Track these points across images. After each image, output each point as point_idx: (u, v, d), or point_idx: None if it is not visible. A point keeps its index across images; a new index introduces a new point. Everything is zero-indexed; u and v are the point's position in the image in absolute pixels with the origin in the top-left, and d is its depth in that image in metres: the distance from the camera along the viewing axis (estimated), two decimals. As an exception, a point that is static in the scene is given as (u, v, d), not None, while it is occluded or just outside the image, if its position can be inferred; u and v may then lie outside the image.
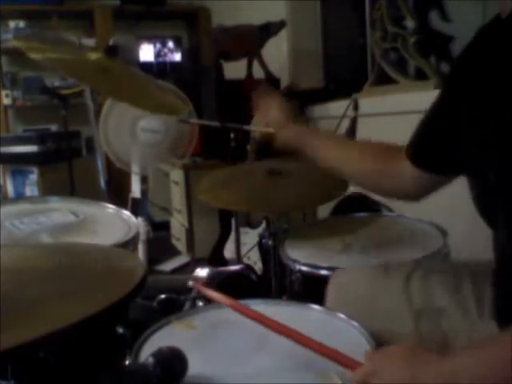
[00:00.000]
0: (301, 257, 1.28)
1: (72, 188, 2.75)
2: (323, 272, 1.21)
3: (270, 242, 1.52)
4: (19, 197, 3.18)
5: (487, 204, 0.79)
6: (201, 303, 1.20)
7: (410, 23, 2.20)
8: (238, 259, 2.16)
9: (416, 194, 1.00)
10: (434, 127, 0.90)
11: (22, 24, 3.96)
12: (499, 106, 0.73)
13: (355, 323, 0.88)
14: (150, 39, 4.34)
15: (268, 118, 1.19)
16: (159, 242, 3.18)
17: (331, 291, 1.03)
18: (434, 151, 0.90)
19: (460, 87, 0.84)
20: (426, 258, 1.18)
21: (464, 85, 0.83)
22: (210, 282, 1.35)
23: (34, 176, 3.27)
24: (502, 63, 0.74)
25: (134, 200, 2.17)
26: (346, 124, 2.33)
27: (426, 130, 0.93)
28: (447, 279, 0.94)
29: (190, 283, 0.93)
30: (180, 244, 3.20)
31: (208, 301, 1.20)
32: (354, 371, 0.71)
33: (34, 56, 1.15)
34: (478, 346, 0.69)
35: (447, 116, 0.86)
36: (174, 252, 3.20)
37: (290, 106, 1.23)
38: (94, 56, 1.32)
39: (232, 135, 2.18)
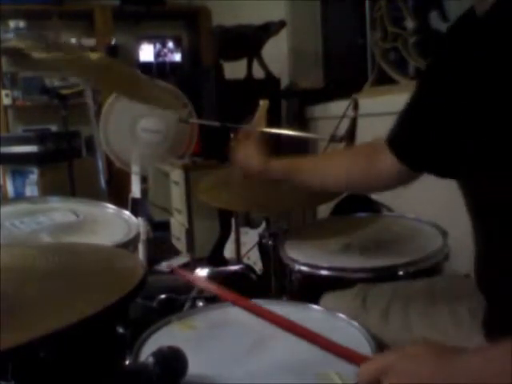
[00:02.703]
0: (301, 257, 1.28)
1: (72, 188, 2.75)
2: (323, 272, 1.21)
3: (270, 242, 1.52)
4: (19, 197, 3.18)
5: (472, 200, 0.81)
6: (201, 303, 1.20)
7: (409, 23, 2.20)
8: (238, 259, 2.16)
9: (393, 185, 1.02)
10: (412, 123, 0.92)
11: (22, 24, 3.96)
12: (473, 105, 0.74)
13: (355, 323, 0.88)
14: (150, 39, 4.34)
15: (246, 159, 1.18)
16: (159, 242, 3.18)
17: None
18: (414, 147, 0.92)
19: (435, 83, 0.86)
20: (402, 284, 1.13)
21: (439, 80, 0.84)
22: (209, 281, 1.35)
23: (34, 176, 3.26)
24: (478, 63, 0.75)
25: (134, 200, 2.17)
26: (345, 124, 2.33)
27: (405, 125, 0.94)
28: (423, 309, 0.94)
29: (165, 265, 0.91)
30: (180, 244, 3.20)
31: (208, 301, 1.20)
32: (364, 366, 0.66)
33: (36, 55, 1.15)
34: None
35: (424, 112, 0.89)
36: (174, 252, 3.20)
37: (265, 142, 1.21)
38: (94, 56, 1.32)
39: (232, 135, 2.17)
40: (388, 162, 0.97)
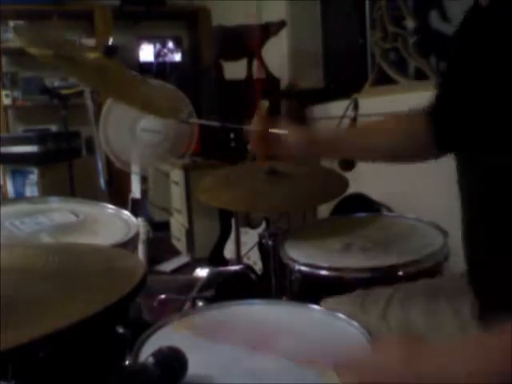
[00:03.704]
0: (301, 257, 1.28)
1: (72, 188, 2.75)
2: (323, 272, 1.21)
3: (269, 242, 1.52)
4: (19, 197, 3.18)
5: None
6: (201, 303, 1.20)
7: (409, 23, 2.20)
8: (238, 259, 2.16)
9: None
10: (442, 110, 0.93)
11: (21, 24, 3.96)
12: (487, 97, 0.78)
13: (355, 323, 0.88)
14: (150, 39, 4.34)
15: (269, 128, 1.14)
16: (159, 242, 3.18)
17: None
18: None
19: (455, 76, 0.89)
20: (401, 285, 1.13)
21: (458, 74, 0.87)
22: (209, 282, 1.36)
23: (33, 176, 3.27)
24: (484, 53, 0.79)
25: (134, 200, 2.17)
26: (345, 124, 2.33)
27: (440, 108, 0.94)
28: (425, 308, 0.94)
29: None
30: (180, 244, 3.20)
31: (208, 301, 1.20)
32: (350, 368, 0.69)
33: (33, 51, 1.14)
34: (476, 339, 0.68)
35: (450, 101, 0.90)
36: (174, 252, 3.20)
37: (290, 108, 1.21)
38: (92, 55, 1.31)
39: (232, 135, 2.18)
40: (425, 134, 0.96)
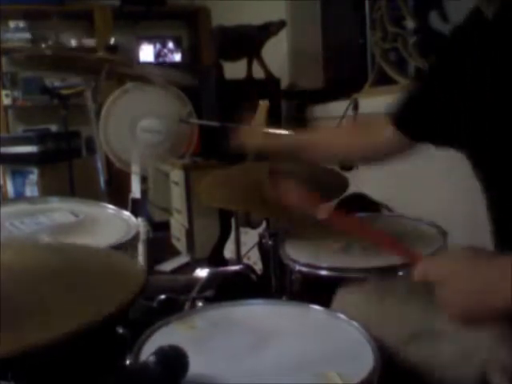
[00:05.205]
0: (301, 257, 1.28)
1: (72, 188, 2.75)
2: (323, 272, 1.21)
3: (269, 242, 1.52)
4: (19, 197, 3.18)
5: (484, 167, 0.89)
6: (201, 303, 1.20)
7: (409, 23, 2.20)
8: (238, 259, 2.16)
9: (392, 154, 1.15)
10: (415, 104, 1.03)
11: (21, 24, 3.96)
12: (479, 95, 0.83)
13: (355, 323, 0.88)
14: (150, 39, 4.34)
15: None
16: (159, 242, 3.18)
17: None
18: (415, 122, 1.03)
19: (442, 75, 0.96)
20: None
21: (448, 76, 0.93)
22: (209, 282, 1.36)
23: (33, 176, 3.27)
24: (489, 62, 0.82)
25: (134, 200, 2.17)
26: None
27: (408, 105, 1.05)
28: None
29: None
30: (180, 244, 3.20)
31: (208, 301, 1.20)
32: (421, 267, 0.79)
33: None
34: None
35: (426, 96, 0.99)
36: (174, 252, 3.20)
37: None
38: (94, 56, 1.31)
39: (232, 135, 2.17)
40: (386, 135, 1.09)
